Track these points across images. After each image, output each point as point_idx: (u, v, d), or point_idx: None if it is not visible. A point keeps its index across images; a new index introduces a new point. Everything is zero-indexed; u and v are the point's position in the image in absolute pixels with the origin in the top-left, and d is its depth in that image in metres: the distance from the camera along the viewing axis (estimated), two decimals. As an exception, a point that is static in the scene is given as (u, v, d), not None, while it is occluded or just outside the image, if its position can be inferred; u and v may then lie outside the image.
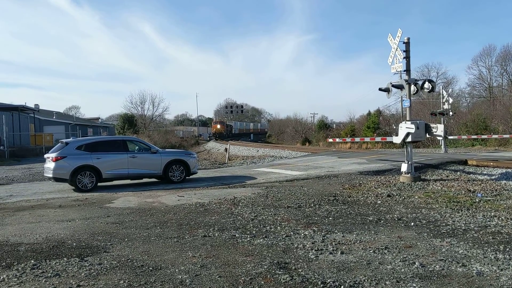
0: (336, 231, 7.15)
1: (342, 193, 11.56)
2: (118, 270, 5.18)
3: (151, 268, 5.20)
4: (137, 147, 15.11)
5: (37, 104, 53.97)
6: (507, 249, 5.97)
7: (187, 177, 15.39)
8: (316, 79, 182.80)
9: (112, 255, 5.82)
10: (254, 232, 7.08)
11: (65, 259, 5.69)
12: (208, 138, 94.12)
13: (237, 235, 6.82)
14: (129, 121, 74.79)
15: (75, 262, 5.52)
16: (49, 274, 5.06)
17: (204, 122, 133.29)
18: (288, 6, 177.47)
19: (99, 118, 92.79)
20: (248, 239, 6.59)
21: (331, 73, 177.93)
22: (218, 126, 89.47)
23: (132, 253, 5.92)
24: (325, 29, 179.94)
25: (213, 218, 8.35)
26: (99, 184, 14.07)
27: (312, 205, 9.69)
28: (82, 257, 5.76)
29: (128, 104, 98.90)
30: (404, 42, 13.86)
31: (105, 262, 5.51)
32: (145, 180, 15.44)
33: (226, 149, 32.71)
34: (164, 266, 5.27)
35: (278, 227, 7.41)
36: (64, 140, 14.73)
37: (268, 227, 7.41)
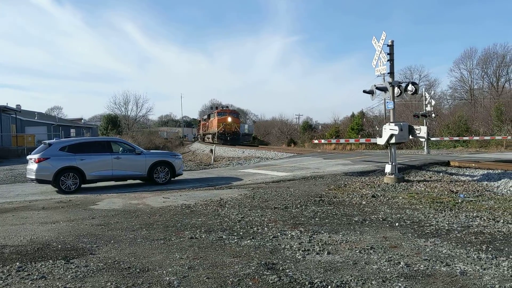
0: (322, 231, 7.21)
1: (328, 194, 11.65)
2: (105, 272, 5.15)
3: (138, 270, 5.18)
4: (121, 148, 15.01)
5: (19, 105, 53.22)
6: (489, 248, 6.09)
7: (172, 179, 15.33)
8: (302, 80, 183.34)
9: (98, 257, 5.78)
10: (241, 233, 7.10)
11: (50, 261, 5.63)
12: (193, 139, 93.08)
13: (224, 237, 6.83)
14: (112, 122, 74.17)
15: (61, 265, 5.47)
16: (35, 277, 5.00)
17: (189, 123, 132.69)
18: (273, 7, 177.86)
19: (82, 118, 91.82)
20: (236, 240, 6.61)
21: (317, 75, 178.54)
22: (230, 120, 51.31)
23: (119, 255, 5.89)
24: (310, 30, 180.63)
25: (200, 219, 8.34)
26: (83, 185, 13.94)
27: (298, 206, 9.75)
28: (68, 259, 5.71)
29: (111, 104, 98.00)
30: (388, 45, 14.05)
31: (92, 264, 5.47)
32: (129, 181, 15.35)
33: (211, 150, 32.64)
34: (151, 268, 5.26)
35: (265, 228, 7.44)
36: (47, 141, 14.56)
37: (255, 228, 7.43)
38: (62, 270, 5.26)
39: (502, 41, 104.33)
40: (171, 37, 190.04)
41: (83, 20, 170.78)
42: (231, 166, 23.75)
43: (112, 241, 6.68)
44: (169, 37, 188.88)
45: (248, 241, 6.56)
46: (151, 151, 17.67)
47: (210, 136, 58.24)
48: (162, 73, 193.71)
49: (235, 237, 6.78)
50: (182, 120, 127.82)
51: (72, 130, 64.39)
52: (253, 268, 5.20)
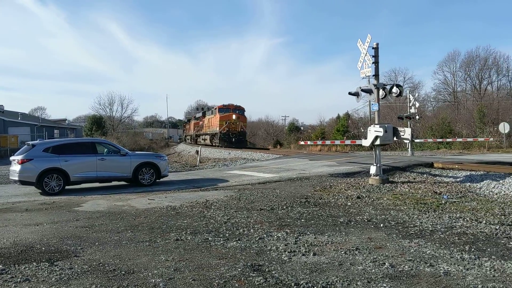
0: (308, 232, 7.24)
1: (314, 195, 11.70)
2: (89, 274, 5.11)
3: (123, 272, 5.15)
4: (106, 150, 14.89)
5: (2, 105, 52.51)
6: (472, 249, 6.19)
7: (157, 180, 15.26)
8: (288, 82, 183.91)
9: (83, 259, 5.73)
10: (227, 235, 7.09)
11: (34, 263, 5.56)
12: (179, 140, 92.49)
13: (210, 238, 6.82)
14: (97, 123, 73.56)
15: (45, 267, 5.40)
16: (19, 279, 4.93)
17: (174, 124, 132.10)
18: (258, 9, 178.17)
19: (66, 119, 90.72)
20: (222, 242, 6.60)
21: (303, 76, 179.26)
22: (235, 117, 43.54)
23: (104, 257, 5.84)
24: (296, 32, 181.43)
25: (185, 221, 8.31)
26: (67, 187, 13.80)
27: (284, 207, 9.78)
28: (52, 261, 5.64)
29: (96, 105, 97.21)
30: (373, 48, 14.16)
31: (76, 266, 5.42)
32: (114, 183, 15.23)
33: (197, 152, 32.54)
34: (136, 270, 5.23)
35: (251, 230, 7.44)
36: (30, 142, 14.37)
37: (241, 230, 7.43)
38: (46, 272, 5.20)
39: (484, 44, 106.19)
40: (155, 38, 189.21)
41: (67, 20, 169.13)
42: (217, 167, 23.71)
43: (96, 243, 6.62)
44: (153, 38, 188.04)
45: (234, 242, 6.56)
46: (136, 152, 17.57)
47: (207, 137, 49.88)
48: (147, 74, 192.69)
49: (221, 239, 6.77)
50: (167, 121, 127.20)
51: (56, 131, 63.65)
52: (239, 269, 5.20)
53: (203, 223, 8.11)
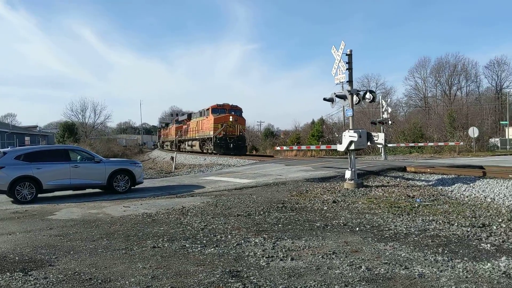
0: (285, 238, 7.29)
1: (290, 200, 11.78)
2: (65, 283, 5.02)
3: (100, 281, 5.08)
4: (79, 157, 14.64)
5: (-31, 112, 50.92)
6: (445, 251, 6.34)
7: (132, 187, 15.09)
8: (262, 87, 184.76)
9: (58, 269, 5.62)
10: (204, 241, 7.07)
11: (8, 274, 5.43)
12: (153, 147, 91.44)
13: (187, 245, 6.79)
14: (69, 130, 72.35)
15: (19, 277, 5.28)
16: (-9, 291, 4.82)
17: (148, 130, 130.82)
18: (232, 15, 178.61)
19: (37, 126, 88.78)
20: (199, 248, 6.58)
21: (277, 82, 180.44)
22: (232, 119, 37.54)
23: (79, 266, 5.75)
24: (269, 38, 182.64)
25: (162, 228, 8.25)
26: (39, 195, 13.49)
27: (261, 212, 9.81)
28: (26, 271, 5.52)
29: (68, 111, 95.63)
30: (346, 54, 14.38)
31: (51, 276, 5.32)
32: (88, 190, 14.99)
33: (172, 158, 32.28)
34: (113, 279, 5.17)
35: (229, 236, 7.45)
36: (1, 150, 14.03)
37: (218, 236, 7.43)
38: (20, 282, 5.09)
39: (453, 51, 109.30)
40: (129, 44, 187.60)
41: (39, 26, 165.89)
42: (192, 173, 23.58)
43: (71, 252, 6.51)
44: (126, 44, 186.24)
45: (212, 249, 6.55)
46: (111, 159, 17.34)
47: (196, 143, 43.15)
48: (120, 79, 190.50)
49: (199, 246, 6.75)
50: (141, 127, 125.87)
51: (27, 138, 62.21)
52: (217, 276, 5.20)
53: (180, 230, 8.07)
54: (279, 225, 8.39)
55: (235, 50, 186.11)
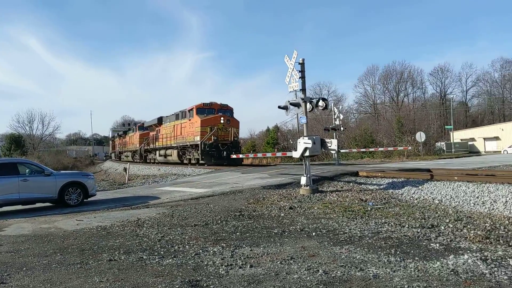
0: (244, 245, 7.33)
1: (248, 208, 11.83)
2: (17, 303, 4.83)
3: (54, 298, 4.92)
4: (28, 170, 14.09)
5: None
6: (398, 252, 6.59)
7: (85, 200, 14.67)
8: (217, 96, 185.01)
9: (10, 286, 5.40)
10: (162, 252, 6.99)
11: (-47, 296, 5.17)
12: (105, 158, 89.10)
13: (144, 257, 6.69)
14: (16, 142, 69.48)
15: (-34, 299, 5.04)
16: None
17: (100, 141, 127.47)
18: (187, 24, 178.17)
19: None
20: (157, 260, 6.50)
21: (231, 91, 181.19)
22: (223, 121, 31.26)
23: (33, 282, 5.54)
24: (221, 47, 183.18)
25: (118, 241, 8.08)
26: (-15, 211, 12.87)
27: (219, 221, 9.80)
28: (-27, 292, 5.27)
29: (14, 123, 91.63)
30: (299, 63, 14.68)
31: (1, 295, 5.10)
32: (38, 204, 14.45)
33: (125, 169, 31.63)
34: (69, 295, 5.02)
35: (187, 246, 7.40)
36: None
37: (176, 247, 7.36)
38: (-33, 304, 4.85)
39: (400, 59, 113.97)
40: (77, 52, 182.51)
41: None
42: (146, 184, 23.20)
43: (24, 268, 6.25)
44: (75, 53, 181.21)
45: (170, 260, 6.49)
46: (62, 171, 16.80)
47: (173, 152, 36.47)
48: (69, 90, 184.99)
49: (156, 257, 6.67)
50: (92, 138, 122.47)
51: (-31, 152, 59.06)
52: (176, 286, 5.17)
53: (136, 242, 7.93)
54: (237, 233, 8.42)
55: (188, 59, 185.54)
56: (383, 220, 9.30)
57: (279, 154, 22.27)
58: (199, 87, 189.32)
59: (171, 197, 15.11)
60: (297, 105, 14.83)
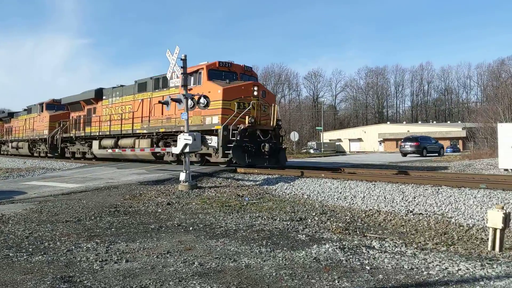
0: (119, 241, 7.26)
1: (124, 204, 11.61)
2: None
3: None
4: None
5: None
6: (269, 243, 7.09)
7: None
8: (91, 85, 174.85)
9: None
10: (30, 249, 6.63)
11: None
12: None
13: (11, 254, 6.28)
14: None
15: None
16: None
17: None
18: (58, 5, 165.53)
19: None
20: (25, 257, 6.15)
21: (111, 80, 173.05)
22: (256, 93, 18.34)
23: None
24: (100, 35, 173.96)
25: (-23, 239, 7.44)
26: None
27: (92, 217, 9.50)
28: None
29: None
30: (181, 59, 14.76)
31: None
32: None
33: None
34: None
35: (58, 243, 7.10)
36: None
37: (46, 244, 7.02)
38: None
39: (278, 61, 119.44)
40: None
41: None
42: (11, 178, 21.30)
43: None
44: None
45: (40, 256, 6.19)
46: None
47: (140, 142, 23.42)
48: None
49: (24, 254, 6.31)
50: None
51: None
52: (48, 282, 4.99)
53: (1, 239, 7.37)
54: (112, 229, 8.28)
55: (60, 44, 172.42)
56: (257, 214, 9.85)
57: (158, 149, 21.90)
58: (73, 75, 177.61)
59: (40, 192, 14.14)
60: (178, 101, 14.91)
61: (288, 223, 8.82)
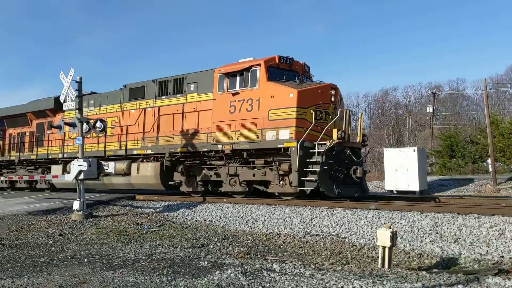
0: (5, 277, 6.61)
1: (9, 236, 10.63)
2: None
3: None
4: None
5: None
6: (170, 272, 6.93)
7: None
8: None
9: None
10: None
11: None
12: None
13: None
14: None
15: None
16: None
17: None
18: None
19: None
20: None
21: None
22: (333, 98, 14.49)
23: None
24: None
25: None
26: None
27: (-29, 253, 8.57)
28: None
29: None
30: (76, 81, 14.13)
31: None
32: None
33: None
34: None
35: None
36: None
37: None
38: None
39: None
40: None
41: None
42: None
43: None
44: None
45: None
46: None
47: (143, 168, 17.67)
48: None
49: None
50: None
51: None
52: None
53: None
54: (-5, 265, 7.54)
55: None
56: (157, 243, 9.59)
57: (49, 177, 20.45)
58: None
59: None
60: (72, 125, 14.17)
61: (190, 250, 8.71)
